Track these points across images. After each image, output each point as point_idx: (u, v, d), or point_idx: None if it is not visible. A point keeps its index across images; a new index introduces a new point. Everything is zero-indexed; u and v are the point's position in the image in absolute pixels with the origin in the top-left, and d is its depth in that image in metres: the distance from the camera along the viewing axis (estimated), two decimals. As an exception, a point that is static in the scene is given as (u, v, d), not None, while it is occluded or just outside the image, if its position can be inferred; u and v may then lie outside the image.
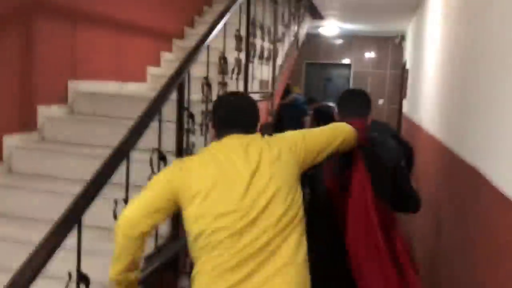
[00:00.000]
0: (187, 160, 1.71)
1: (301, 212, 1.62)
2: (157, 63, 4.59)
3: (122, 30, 4.02)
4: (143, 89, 4.24)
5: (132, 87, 4.11)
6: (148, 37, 4.46)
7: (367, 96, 2.22)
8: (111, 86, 3.86)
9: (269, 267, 1.50)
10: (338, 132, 1.85)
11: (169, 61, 4.64)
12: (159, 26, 4.66)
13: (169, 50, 4.81)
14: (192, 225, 1.54)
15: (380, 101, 8.93)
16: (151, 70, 4.44)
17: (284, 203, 1.55)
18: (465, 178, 2.25)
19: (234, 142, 1.63)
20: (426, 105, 4.03)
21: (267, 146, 1.63)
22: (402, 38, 8.53)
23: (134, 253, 1.59)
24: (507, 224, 1.59)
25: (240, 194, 1.52)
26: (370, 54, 8.98)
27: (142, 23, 4.34)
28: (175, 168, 1.64)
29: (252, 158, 1.57)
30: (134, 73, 4.24)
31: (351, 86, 9.03)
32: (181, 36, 5.05)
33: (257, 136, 1.68)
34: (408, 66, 6.88)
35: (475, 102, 2.18)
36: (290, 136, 1.75)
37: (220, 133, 1.69)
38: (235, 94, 1.94)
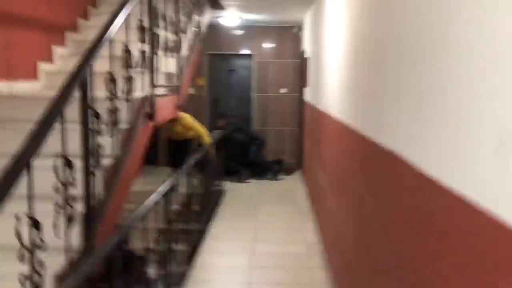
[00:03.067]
0: None
1: None
2: (49, 58, 4.20)
3: (7, 22, 3.61)
4: (36, 88, 3.87)
5: (22, 86, 3.73)
6: (37, 30, 4.06)
7: None
8: (-3, 86, 3.46)
9: None
10: None
11: (63, 56, 4.28)
12: (49, 17, 4.27)
13: (62, 44, 4.43)
14: None
15: (283, 90, 9.09)
16: (43, 66, 4.05)
17: None
18: (381, 161, 2.30)
19: None
20: (332, 93, 4.13)
21: None
22: (299, 28, 8.73)
23: None
24: (429, 202, 1.64)
25: None
26: (270, 44, 9.09)
27: (30, 14, 3.94)
28: None
29: None
30: (24, 71, 3.84)
31: (254, 76, 9.09)
32: (74, 28, 4.68)
33: None
34: (308, 55, 7.05)
35: (387, 89, 2.24)
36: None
37: None
38: None
